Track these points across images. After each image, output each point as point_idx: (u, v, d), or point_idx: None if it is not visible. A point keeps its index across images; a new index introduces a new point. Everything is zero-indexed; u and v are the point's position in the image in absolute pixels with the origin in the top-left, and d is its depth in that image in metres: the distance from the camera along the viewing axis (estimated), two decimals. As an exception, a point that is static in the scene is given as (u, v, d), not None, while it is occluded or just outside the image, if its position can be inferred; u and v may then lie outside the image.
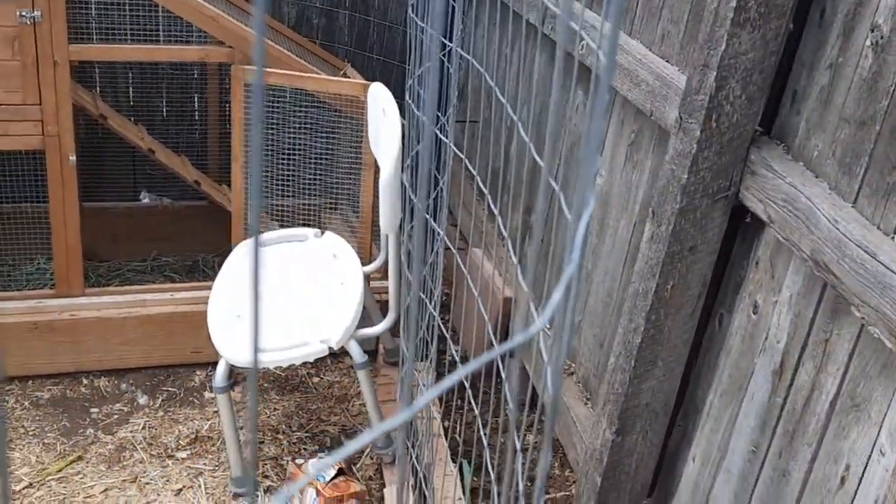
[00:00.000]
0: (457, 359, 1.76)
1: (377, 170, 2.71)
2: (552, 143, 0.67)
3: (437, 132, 2.24)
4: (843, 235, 1.55)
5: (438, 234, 2.08)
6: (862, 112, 1.60)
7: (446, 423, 2.77)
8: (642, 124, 2.35)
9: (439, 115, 2.39)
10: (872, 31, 1.57)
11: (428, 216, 2.43)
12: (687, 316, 1.99)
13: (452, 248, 2.12)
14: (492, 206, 1.71)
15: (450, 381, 0.57)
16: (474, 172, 1.80)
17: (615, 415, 2.06)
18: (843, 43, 1.65)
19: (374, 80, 2.79)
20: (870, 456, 1.53)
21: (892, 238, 1.50)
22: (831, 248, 1.57)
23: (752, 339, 1.88)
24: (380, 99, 2.49)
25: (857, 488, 1.55)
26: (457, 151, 1.95)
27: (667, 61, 2.20)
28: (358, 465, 2.73)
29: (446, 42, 2.32)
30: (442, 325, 2.12)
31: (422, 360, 2.52)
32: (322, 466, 2.30)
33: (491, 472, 1.53)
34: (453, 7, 2.44)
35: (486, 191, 1.71)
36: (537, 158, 1.03)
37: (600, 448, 2.12)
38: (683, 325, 2.00)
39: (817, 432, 1.67)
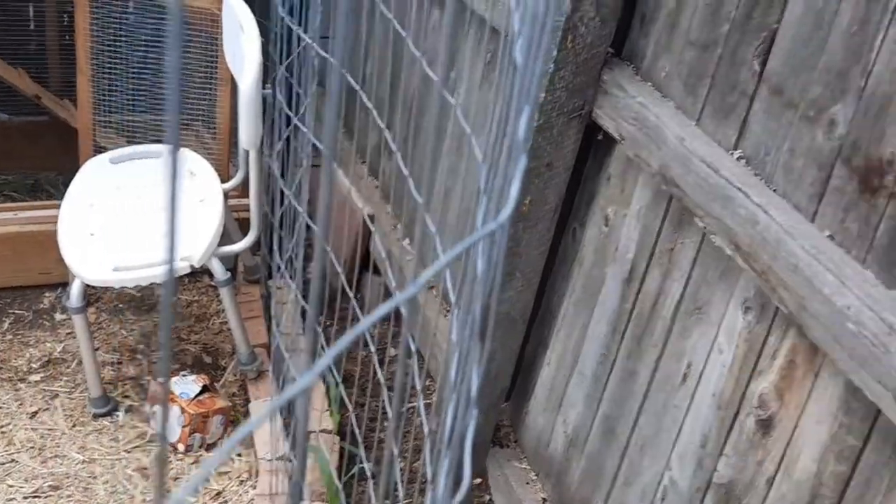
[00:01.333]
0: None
1: (234, 86, 2.66)
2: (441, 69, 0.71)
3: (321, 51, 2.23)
4: (688, 152, 1.67)
5: (304, 149, 2.09)
6: (705, 36, 1.71)
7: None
8: (498, 44, 2.40)
9: (292, 26, 2.36)
10: (718, -41, 1.67)
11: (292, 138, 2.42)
12: (544, 230, 2.09)
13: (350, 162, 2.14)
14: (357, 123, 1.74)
15: (358, 329, 0.59)
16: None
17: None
18: (692, -30, 1.75)
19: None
20: (709, 354, 1.68)
21: (731, 154, 1.63)
22: (677, 164, 1.69)
23: (604, 250, 2.01)
24: (236, 12, 2.44)
25: (698, 384, 1.71)
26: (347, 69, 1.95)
27: (524, -18, 2.26)
28: (221, 382, 2.75)
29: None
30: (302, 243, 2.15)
31: (291, 278, 2.54)
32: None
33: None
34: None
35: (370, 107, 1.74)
36: (429, 72, 1.06)
37: (462, 356, 2.22)
38: (540, 239, 2.11)
39: (663, 334, 1.81)
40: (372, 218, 2.89)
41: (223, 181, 2.74)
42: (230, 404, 2.60)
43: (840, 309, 1.31)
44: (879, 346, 1.25)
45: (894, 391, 1.22)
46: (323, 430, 2.35)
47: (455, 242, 2.44)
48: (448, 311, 2.68)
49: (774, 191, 1.54)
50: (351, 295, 2.02)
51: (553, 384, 2.20)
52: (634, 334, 1.90)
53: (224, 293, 2.54)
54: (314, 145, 2.37)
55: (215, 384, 2.71)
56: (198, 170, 2.73)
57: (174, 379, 2.55)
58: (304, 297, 2.45)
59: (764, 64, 1.58)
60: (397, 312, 2.83)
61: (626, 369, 1.92)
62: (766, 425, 1.53)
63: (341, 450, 2.40)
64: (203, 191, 2.65)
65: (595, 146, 2.05)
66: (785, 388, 1.49)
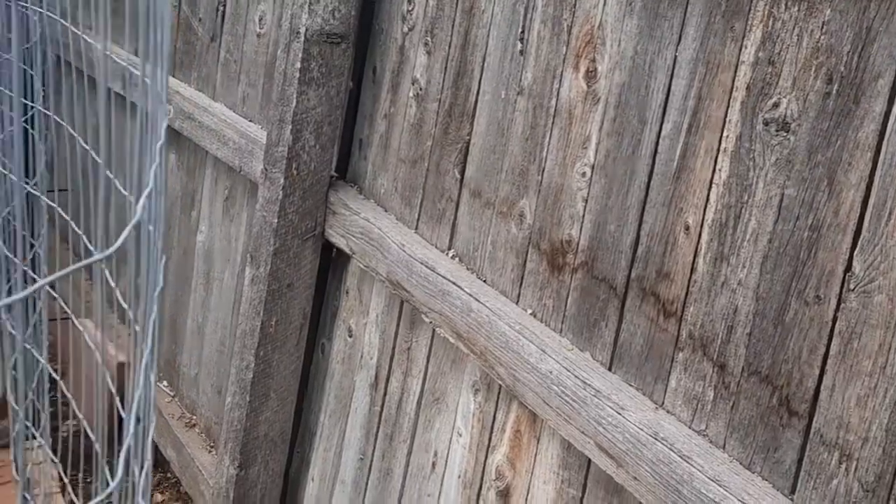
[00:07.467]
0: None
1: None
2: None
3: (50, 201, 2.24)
4: (409, 257, 1.83)
5: (38, 304, 2.07)
6: (413, 152, 1.90)
7: (68, 497, 2.69)
8: (234, 180, 2.52)
9: (27, 182, 2.37)
10: (413, 84, 1.89)
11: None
12: (292, 348, 2.17)
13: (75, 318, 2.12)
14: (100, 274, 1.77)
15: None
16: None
17: (237, 450, 2.18)
18: (393, 96, 1.95)
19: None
20: (451, 439, 1.80)
21: (446, 253, 1.80)
22: (402, 269, 1.84)
23: (351, 360, 2.11)
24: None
25: (445, 469, 1.82)
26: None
27: (249, 121, 2.40)
28: (-29, 559, 2.56)
29: (31, 105, 2.32)
30: (51, 400, 2.11)
31: (33, 438, 2.44)
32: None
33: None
34: (31, 74, 2.46)
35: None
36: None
37: (225, 485, 2.22)
38: (290, 357, 2.18)
39: (410, 430, 1.92)
40: (123, 365, 2.86)
41: (-40, 344, 2.62)
42: (-18, 579, 2.43)
43: (545, 374, 1.48)
44: (578, 402, 1.42)
45: (594, 438, 1.39)
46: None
47: (214, 375, 2.46)
48: (212, 447, 2.67)
49: (484, 281, 1.71)
50: (96, 449, 2.00)
51: (318, 498, 2.24)
52: (386, 434, 1.99)
53: (-33, 460, 2.40)
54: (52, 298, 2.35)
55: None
56: (-70, 336, 2.60)
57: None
58: (56, 455, 2.37)
59: (463, 172, 1.78)
60: (158, 458, 2.78)
61: (382, 469, 2.00)
62: (504, 494, 1.65)
63: None
64: (-63, 356, 2.52)
65: (333, 263, 2.18)
66: (515, 457, 1.63)
